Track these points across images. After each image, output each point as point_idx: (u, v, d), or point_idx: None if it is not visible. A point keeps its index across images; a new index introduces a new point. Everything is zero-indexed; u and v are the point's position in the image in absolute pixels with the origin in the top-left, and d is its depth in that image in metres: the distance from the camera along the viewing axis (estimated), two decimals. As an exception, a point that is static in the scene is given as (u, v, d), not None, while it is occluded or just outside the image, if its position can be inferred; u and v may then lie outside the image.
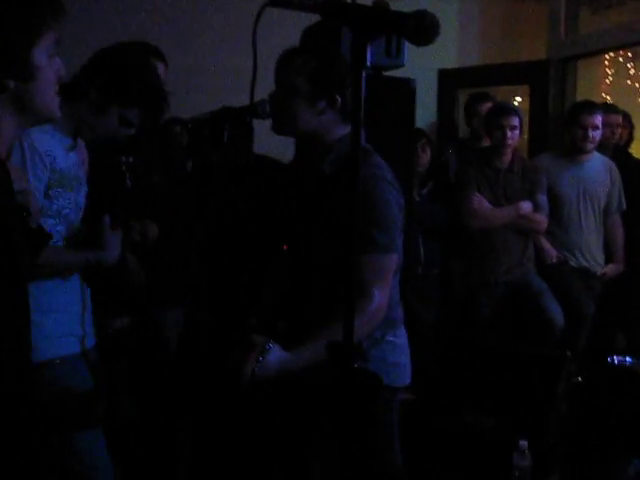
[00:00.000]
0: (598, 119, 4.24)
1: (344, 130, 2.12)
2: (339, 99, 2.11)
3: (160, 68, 2.52)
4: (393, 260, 2.09)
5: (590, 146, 4.27)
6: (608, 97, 5.96)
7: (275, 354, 1.93)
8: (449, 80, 5.42)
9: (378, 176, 2.06)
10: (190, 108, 2.61)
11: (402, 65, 3.21)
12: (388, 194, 2.07)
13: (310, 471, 2.33)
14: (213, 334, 3.03)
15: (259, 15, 1.43)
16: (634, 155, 5.00)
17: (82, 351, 2.19)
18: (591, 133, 4.23)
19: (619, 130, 4.72)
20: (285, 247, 2.15)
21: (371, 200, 2.01)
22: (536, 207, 4.11)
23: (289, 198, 2.35)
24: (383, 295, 2.04)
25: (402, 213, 2.13)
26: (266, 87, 2.16)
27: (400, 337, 2.27)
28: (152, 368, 3.08)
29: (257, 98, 2.15)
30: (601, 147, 4.49)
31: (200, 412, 2.85)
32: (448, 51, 5.42)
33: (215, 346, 2.88)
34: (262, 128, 2.25)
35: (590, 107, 4.34)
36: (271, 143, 2.48)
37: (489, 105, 4.46)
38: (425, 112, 5.17)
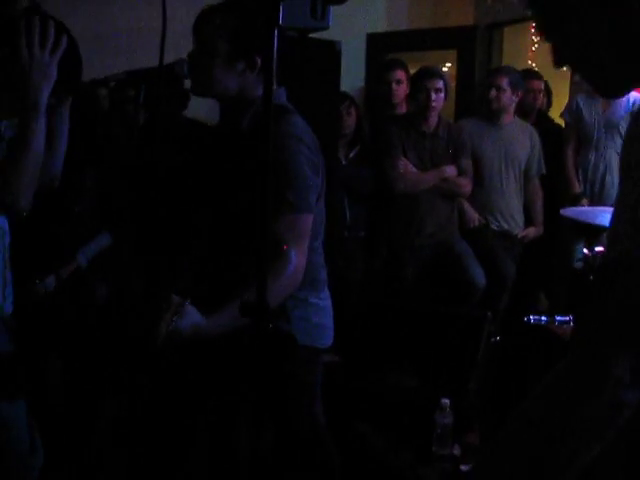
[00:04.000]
0: (502, 80, 4.29)
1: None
2: (259, 60, 2.06)
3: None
4: (308, 220, 2.05)
5: (494, 105, 4.32)
6: (533, 64, 6.06)
7: (190, 317, 1.88)
8: (378, 44, 5.42)
9: (292, 135, 2.02)
10: (107, 71, 2.54)
11: (327, 27, 3.20)
12: (300, 154, 2.03)
13: (237, 433, 2.33)
14: (139, 297, 2.99)
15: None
16: (555, 121, 5.12)
17: (0, 318, 2.12)
18: (493, 92, 4.29)
19: (541, 96, 4.82)
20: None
21: (283, 159, 1.97)
22: (460, 171, 4.18)
23: (211, 158, 2.32)
24: (300, 256, 2.01)
25: (319, 175, 2.10)
26: (188, 48, 2.13)
27: (324, 299, 2.27)
28: (81, 330, 3.02)
29: (176, 58, 2.13)
30: (524, 112, 4.58)
31: (122, 379, 2.82)
32: (377, 15, 5.41)
33: (140, 309, 2.85)
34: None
35: (496, 69, 4.46)
36: (204, 104, 2.43)
37: (398, 72, 4.48)
38: (354, 76, 5.17)
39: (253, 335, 1.46)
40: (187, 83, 2.29)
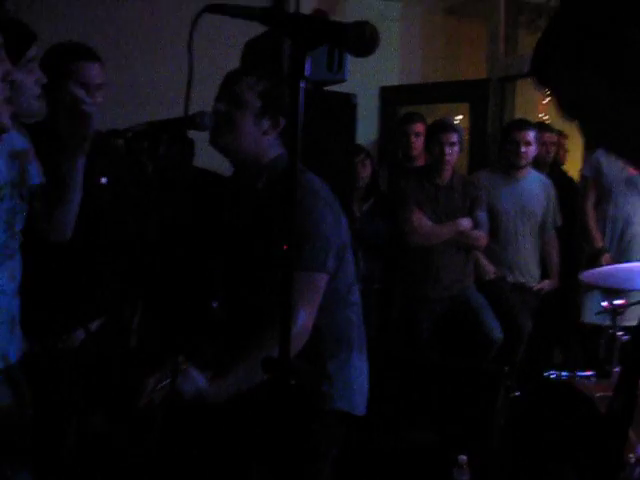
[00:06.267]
0: (530, 135, 4.31)
1: (280, 151, 2.13)
2: (282, 122, 2.12)
3: (95, 68, 2.45)
4: (322, 280, 2.01)
5: (523, 161, 4.34)
6: (545, 117, 6.09)
7: (193, 381, 1.85)
8: (391, 97, 5.47)
9: (309, 191, 2.02)
10: (127, 122, 2.56)
11: (344, 80, 3.22)
12: (317, 211, 2.01)
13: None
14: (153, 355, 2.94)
15: (195, 21, 1.41)
16: (568, 173, 5.12)
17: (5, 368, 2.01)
18: (523, 149, 4.30)
19: (554, 148, 4.83)
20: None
21: (299, 215, 1.96)
22: (476, 224, 4.16)
23: (226, 213, 2.32)
24: (309, 316, 1.96)
25: (340, 230, 2.08)
26: (201, 100, 2.14)
27: (364, 361, 2.21)
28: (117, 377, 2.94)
29: (194, 110, 2.15)
30: (537, 165, 4.58)
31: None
32: (390, 68, 5.46)
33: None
34: (205, 141, 2.23)
35: (522, 124, 4.43)
36: (213, 156, 2.45)
37: (418, 125, 4.53)
38: (367, 129, 5.20)
39: (273, 391, 1.41)
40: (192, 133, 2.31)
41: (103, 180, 2.54)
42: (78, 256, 2.40)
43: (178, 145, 3.74)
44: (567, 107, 1.15)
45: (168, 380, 1.81)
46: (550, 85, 1.15)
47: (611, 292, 3.75)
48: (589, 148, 4.67)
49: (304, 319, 1.95)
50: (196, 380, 1.87)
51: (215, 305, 2.56)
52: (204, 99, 2.16)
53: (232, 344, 2.21)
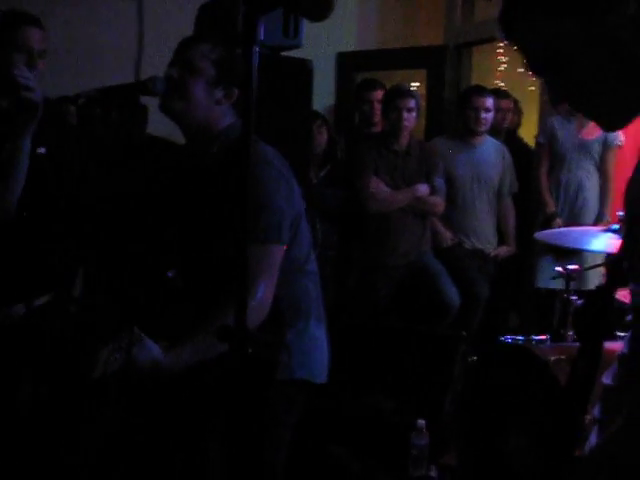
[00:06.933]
0: (489, 102, 4.33)
1: (233, 119, 2.11)
2: (236, 92, 2.09)
3: (37, 34, 2.38)
4: (279, 251, 2.01)
5: (482, 128, 4.36)
6: (502, 84, 6.11)
7: (149, 351, 1.83)
8: (347, 63, 5.42)
9: (262, 160, 2.00)
10: (77, 88, 2.50)
11: (299, 46, 3.18)
12: (271, 181, 2.00)
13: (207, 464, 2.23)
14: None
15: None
16: (524, 140, 5.16)
17: None
18: (483, 115, 4.31)
19: (510, 115, 4.85)
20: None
21: (253, 188, 1.96)
22: (433, 190, 4.17)
23: (179, 182, 2.29)
24: (268, 288, 1.96)
25: (293, 199, 2.07)
26: (154, 66, 2.10)
27: (323, 330, 2.22)
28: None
29: (145, 76, 2.10)
30: (493, 132, 4.61)
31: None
32: (347, 34, 5.41)
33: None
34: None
35: (481, 90, 4.45)
36: (167, 124, 2.41)
37: (379, 92, 4.51)
38: (323, 95, 5.15)
39: (231, 360, 1.40)
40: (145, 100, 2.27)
41: (41, 150, 2.46)
42: (18, 228, 2.34)
43: (130, 111, 3.66)
44: (536, 62, 1.12)
45: (122, 351, 1.78)
46: (520, 37, 1.11)
47: (563, 255, 3.81)
48: (546, 113, 4.72)
49: (263, 292, 1.95)
50: (152, 350, 1.84)
51: (170, 275, 2.54)
52: (157, 64, 2.12)
53: (188, 314, 2.19)
